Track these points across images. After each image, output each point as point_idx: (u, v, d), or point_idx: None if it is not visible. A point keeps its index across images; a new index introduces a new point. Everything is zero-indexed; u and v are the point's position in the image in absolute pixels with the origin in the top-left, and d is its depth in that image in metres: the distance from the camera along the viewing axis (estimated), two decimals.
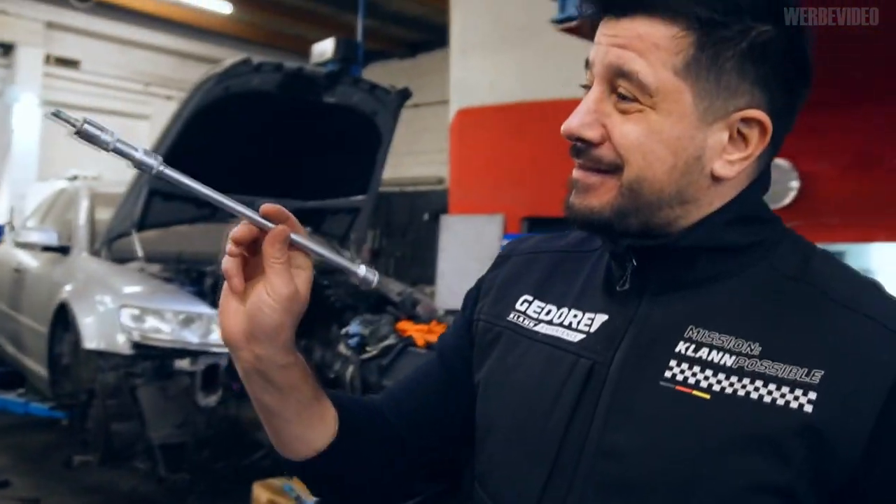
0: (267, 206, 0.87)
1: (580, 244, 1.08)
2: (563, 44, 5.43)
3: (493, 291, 1.10)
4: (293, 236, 0.88)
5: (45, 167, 10.82)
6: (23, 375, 6.24)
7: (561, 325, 0.99)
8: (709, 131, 0.87)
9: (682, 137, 0.86)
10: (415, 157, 12.93)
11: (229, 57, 5.31)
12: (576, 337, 0.96)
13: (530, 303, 1.05)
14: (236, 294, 0.90)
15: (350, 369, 4.04)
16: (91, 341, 4.43)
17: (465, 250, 7.75)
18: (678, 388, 0.86)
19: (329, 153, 5.52)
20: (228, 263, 0.88)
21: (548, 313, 1.02)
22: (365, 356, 4.00)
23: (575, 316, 0.98)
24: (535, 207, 7.74)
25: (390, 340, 4.03)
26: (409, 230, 12.94)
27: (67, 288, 5.03)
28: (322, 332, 5.05)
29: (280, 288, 0.87)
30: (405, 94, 5.37)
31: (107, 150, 0.82)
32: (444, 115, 10.37)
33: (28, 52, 11.54)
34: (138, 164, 0.83)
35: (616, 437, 0.88)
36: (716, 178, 0.88)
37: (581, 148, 0.91)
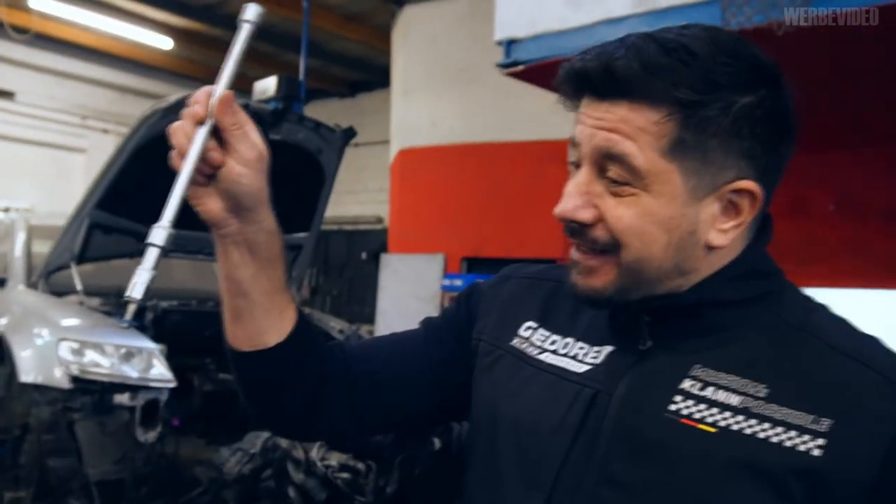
0: (194, 108, 0.88)
1: None
2: (506, 86, 5.56)
3: (494, 312, 1.10)
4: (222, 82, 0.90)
5: None
6: None
7: (566, 355, 0.99)
8: (700, 206, 0.89)
9: (675, 216, 0.88)
10: (354, 195, 12.98)
11: (169, 92, 5.33)
12: (581, 368, 0.97)
13: (535, 330, 1.05)
14: (202, 185, 0.92)
15: None
16: (27, 375, 4.34)
17: (406, 289, 7.80)
18: (682, 420, 0.88)
19: (272, 190, 5.55)
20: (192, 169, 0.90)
21: (553, 343, 1.02)
22: None
23: (581, 348, 0.99)
24: (476, 248, 7.84)
25: None
26: (347, 268, 12.95)
27: (2, 321, 4.92)
28: None
29: (248, 152, 0.91)
30: (350, 134, 5.44)
31: (144, 295, 0.87)
32: (384, 155, 10.46)
33: None
34: (160, 256, 0.88)
35: (618, 466, 0.89)
36: (711, 248, 0.91)
37: (575, 228, 0.92)
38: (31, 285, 5.27)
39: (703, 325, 0.93)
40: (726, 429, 0.86)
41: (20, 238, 5.80)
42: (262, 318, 1.00)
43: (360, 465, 3.09)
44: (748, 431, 0.85)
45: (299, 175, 5.52)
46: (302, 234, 5.93)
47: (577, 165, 0.93)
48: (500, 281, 1.15)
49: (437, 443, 3.14)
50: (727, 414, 0.86)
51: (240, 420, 4.76)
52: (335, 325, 5.73)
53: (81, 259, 5.18)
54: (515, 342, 1.05)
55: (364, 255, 12.33)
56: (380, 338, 1.19)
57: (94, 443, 4.25)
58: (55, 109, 12.45)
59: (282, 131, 5.29)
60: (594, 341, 0.99)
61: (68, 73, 12.65)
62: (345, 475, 3.16)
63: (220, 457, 4.41)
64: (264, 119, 5.22)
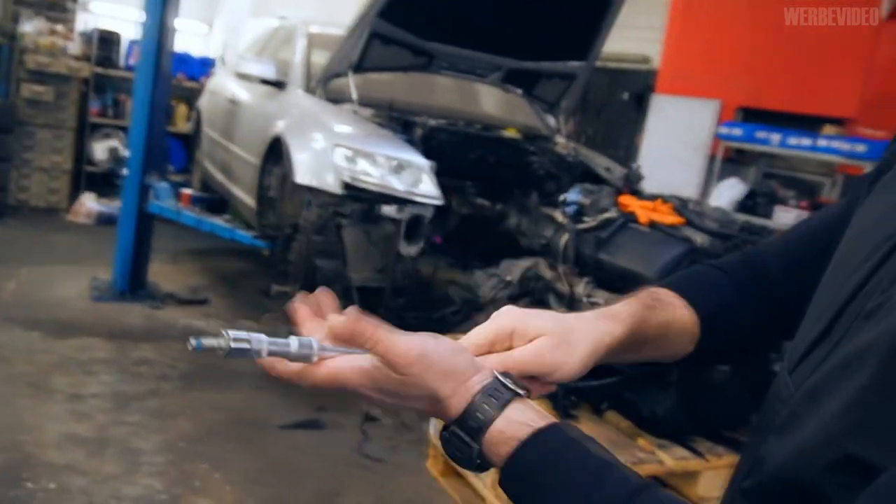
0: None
1: None
2: None
3: None
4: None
5: (257, 4, 11.00)
6: (227, 203, 6.51)
7: None
8: None
9: None
10: (621, 31, 12.23)
11: None
12: None
13: None
14: None
15: (564, 237, 3.86)
16: (303, 177, 4.47)
17: (674, 135, 7.36)
18: None
19: (552, 12, 5.22)
20: None
21: None
22: (581, 226, 3.80)
23: None
24: (756, 98, 7.21)
25: (610, 213, 3.79)
26: (605, 109, 12.43)
27: (281, 123, 5.08)
28: (519, 198, 4.91)
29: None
30: None
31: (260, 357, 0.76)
32: None
33: None
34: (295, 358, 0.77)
35: None
36: None
37: None
38: (309, 91, 5.38)
39: None
40: None
41: (300, 44, 5.92)
42: (669, 348, 0.99)
43: None
44: None
45: None
46: (578, 63, 5.62)
47: None
48: None
49: None
50: None
51: (492, 247, 4.70)
52: (601, 163, 5.46)
53: (358, 68, 5.18)
54: None
55: (625, 96, 11.74)
56: (793, 230, 1.09)
57: (359, 249, 4.36)
58: None
59: None
60: None
61: None
62: None
63: (474, 280, 4.39)
64: None
